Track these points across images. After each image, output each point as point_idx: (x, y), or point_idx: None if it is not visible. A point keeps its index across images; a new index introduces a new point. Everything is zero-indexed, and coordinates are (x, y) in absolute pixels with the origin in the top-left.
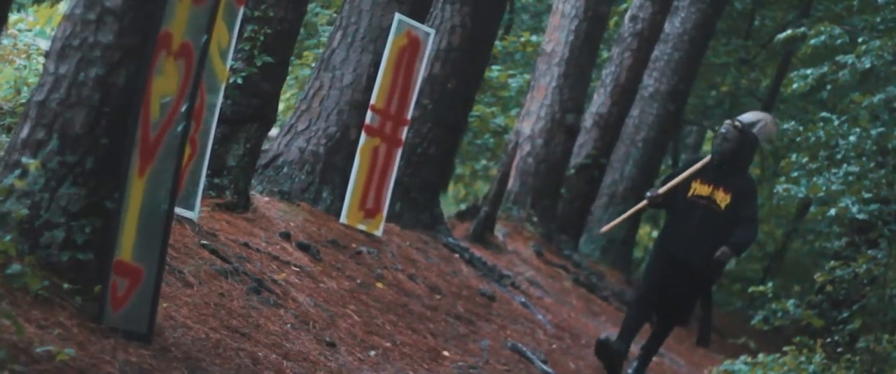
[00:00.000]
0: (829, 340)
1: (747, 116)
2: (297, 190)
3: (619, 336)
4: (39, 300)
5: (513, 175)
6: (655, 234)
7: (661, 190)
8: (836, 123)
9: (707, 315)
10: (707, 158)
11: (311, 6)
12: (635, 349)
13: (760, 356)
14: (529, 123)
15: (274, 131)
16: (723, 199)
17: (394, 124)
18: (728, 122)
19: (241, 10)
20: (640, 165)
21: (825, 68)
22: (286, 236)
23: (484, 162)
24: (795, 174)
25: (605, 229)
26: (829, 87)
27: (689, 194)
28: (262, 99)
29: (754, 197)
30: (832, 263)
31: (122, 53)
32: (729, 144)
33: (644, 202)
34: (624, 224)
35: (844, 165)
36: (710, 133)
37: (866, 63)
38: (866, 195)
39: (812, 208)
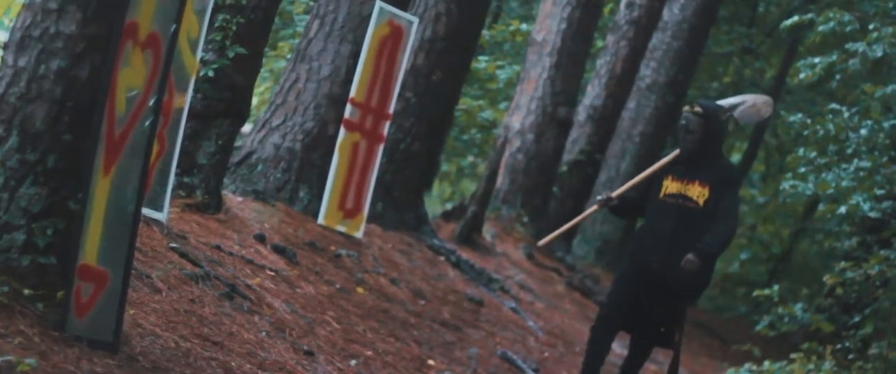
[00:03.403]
0: (839, 346)
1: (730, 100)
2: (273, 189)
3: None
4: None
5: (502, 172)
6: None
7: (615, 192)
8: (846, 115)
9: (676, 344)
10: (675, 153)
11: None
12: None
13: (766, 364)
14: (519, 116)
15: (247, 127)
16: (700, 194)
17: (375, 119)
18: (686, 108)
19: None
20: (637, 161)
21: (834, 57)
22: (261, 239)
23: (471, 159)
24: (803, 170)
25: (543, 241)
26: (838, 77)
27: (661, 194)
28: (235, 93)
29: (735, 186)
30: (842, 264)
31: (85, 44)
32: (693, 134)
33: (594, 208)
34: (620, 224)
35: (855, 160)
36: None
37: (878, 51)
38: (878, 192)
39: (821, 206)
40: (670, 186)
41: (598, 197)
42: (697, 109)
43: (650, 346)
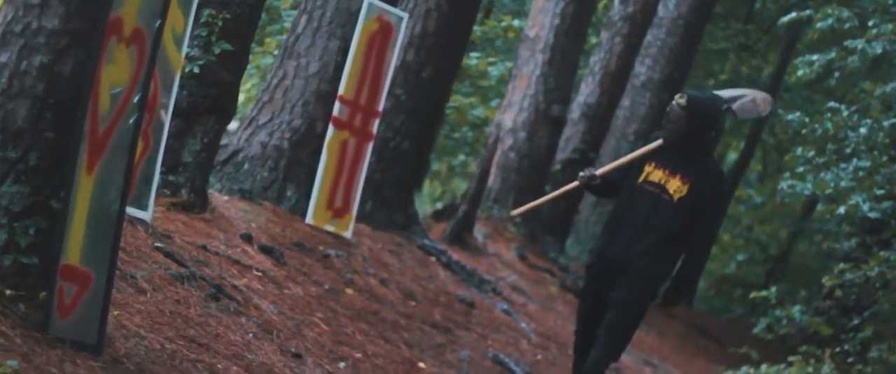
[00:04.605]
0: (838, 349)
1: (730, 92)
2: (260, 188)
3: None
4: None
5: (493, 171)
6: None
7: (600, 171)
8: (845, 113)
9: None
10: (660, 141)
11: None
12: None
13: (763, 368)
14: (511, 114)
15: (233, 125)
16: (678, 189)
17: (364, 117)
18: (676, 97)
19: None
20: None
21: (833, 54)
22: (247, 238)
23: (462, 157)
24: (801, 170)
25: (517, 211)
26: (837, 74)
27: (640, 179)
28: (221, 89)
29: (718, 194)
30: (841, 265)
31: (68, 40)
32: (673, 125)
33: (574, 183)
34: None
35: (854, 160)
36: None
37: (877, 48)
38: (878, 192)
39: (819, 207)
40: (652, 173)
41: (581, 173)
42: (682, 100)
43: (614, 342)
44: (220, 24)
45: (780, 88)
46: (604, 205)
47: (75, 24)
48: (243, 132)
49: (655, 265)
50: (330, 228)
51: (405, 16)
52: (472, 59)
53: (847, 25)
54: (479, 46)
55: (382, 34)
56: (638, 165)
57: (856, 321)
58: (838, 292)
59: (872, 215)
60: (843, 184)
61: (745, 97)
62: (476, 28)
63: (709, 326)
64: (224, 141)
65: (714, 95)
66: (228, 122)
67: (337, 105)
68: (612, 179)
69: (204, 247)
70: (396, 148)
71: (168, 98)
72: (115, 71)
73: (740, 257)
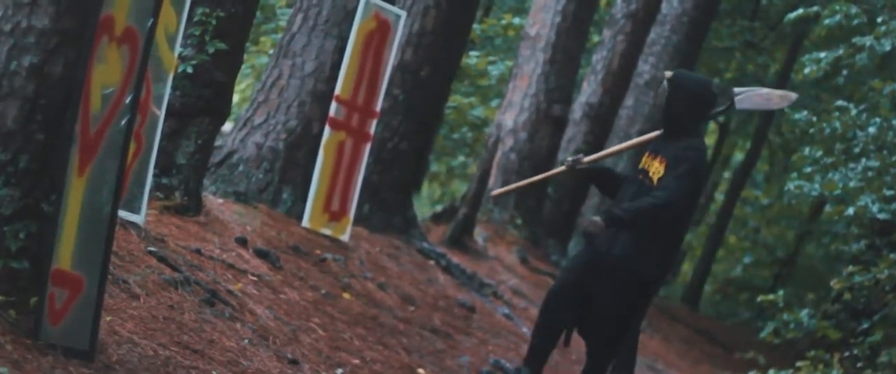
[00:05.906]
0: (847, 353)
1: (745, 89)
2: (255, 190)
3: (524, 362)
4: None
5: (494, 173)
6: None
7: (588, 158)
8: (854, 112)
9: (631, 340)
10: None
11: None
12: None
13: (771, 373)
14: (512, 114)
15: (228, 126)
16: (657, 171)
17: (361, 117)
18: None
19: None
20: (635, 160)
21: (841, 52)
22: (242, 242)
23: (462, 158)
24: (809, 170)
25: (497, 192)
26: (845, 72)
27: (637, 168)
28: (215, 90)
29: (683, 163)
30: (850, 268)
31: (59, 39)
32: (657, 99)
33: (561, 168)
34: None
35: (863, 160)
36: (711, 125)
37: (886, 46)
38: (888, 193)
39: (827, 208)
40: (644, 160)
41: (569, 158)
42: (668, 73)
43: (602, 353)
44: (213, 22)
45: (787, 86)
46: (607, 206)
47: (66, 24)
48: (238, 133)
49: (637, 258)
50: (327, 231)
51: (403, 14)
52: (472, 58)
53: (855, 22)
54: (479, 45)
55: (380, 33)
56: (640, 157)
57: (865, 325)
58: (847, 296)
59: (882, 216)
60: (851, 184)
61: (760, 91)
62: (475, 26)
63: (714, 330)
64: (218, 142)
65: (704, 79)
66: (223, 123)
67: (333, 105)
68: (616, 173)
69: (198, 251)
70: (394, 149)
71: (161, 99)
72: (107, 71)
73: (747, 260)
